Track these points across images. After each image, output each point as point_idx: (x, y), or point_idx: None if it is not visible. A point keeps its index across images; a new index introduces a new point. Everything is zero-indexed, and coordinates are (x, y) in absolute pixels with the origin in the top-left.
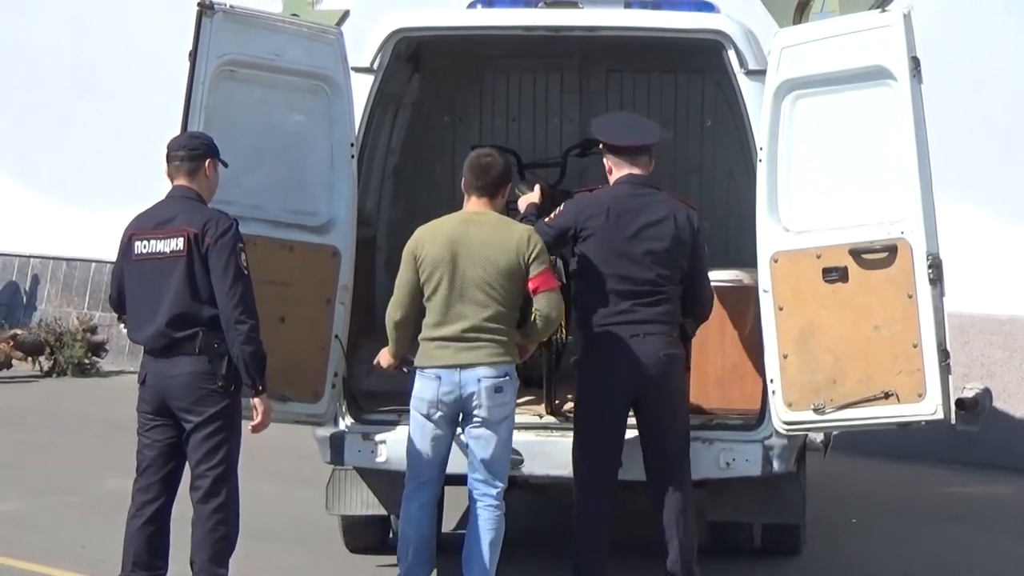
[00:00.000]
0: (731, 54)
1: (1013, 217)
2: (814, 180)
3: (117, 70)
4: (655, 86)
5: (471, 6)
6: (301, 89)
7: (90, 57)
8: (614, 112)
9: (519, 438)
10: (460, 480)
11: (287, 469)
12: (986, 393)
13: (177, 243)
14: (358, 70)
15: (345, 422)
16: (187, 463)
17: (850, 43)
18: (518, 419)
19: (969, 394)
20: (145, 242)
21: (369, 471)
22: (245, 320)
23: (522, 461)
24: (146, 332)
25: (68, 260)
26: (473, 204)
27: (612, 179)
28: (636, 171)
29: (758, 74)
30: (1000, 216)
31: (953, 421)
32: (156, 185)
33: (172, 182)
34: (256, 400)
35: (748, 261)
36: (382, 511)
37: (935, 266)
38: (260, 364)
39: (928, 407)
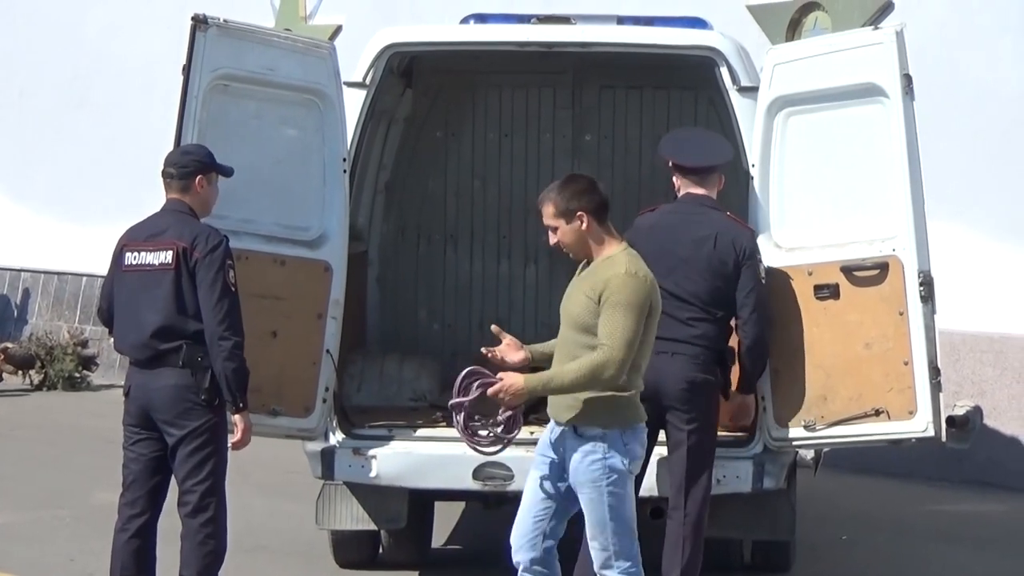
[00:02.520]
0: (724, 71)
1: (1005, 235)
2: (806, 197)
3: (111, 83)
4: (648, 102)
5: (464, 21)
6: (294, 103)
7: (84, 70)
8: (685, 128)
9: (509, 454)
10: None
11: (277, 483)
12: (977, 411)
13: (166, 256)
14: (350, 85)
15: (336, 437)
16: (173, 477)
17: (843, 60)
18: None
19: (960, 412)
20: (136, 253)
21: (359, 486)
22: (229, 336)
23: (512, 477)
24: (130, 342)
25: (59, 274)
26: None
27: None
28: (700, 191)
29: (751, 91)
30: (992, 234)
31: (944, 439)
32: (149, 198)
33: (167, 194)
34: (237, 417)
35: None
36: (372, 526)
37: (926, 284)
38: (242, 381)
39: (919, 424)
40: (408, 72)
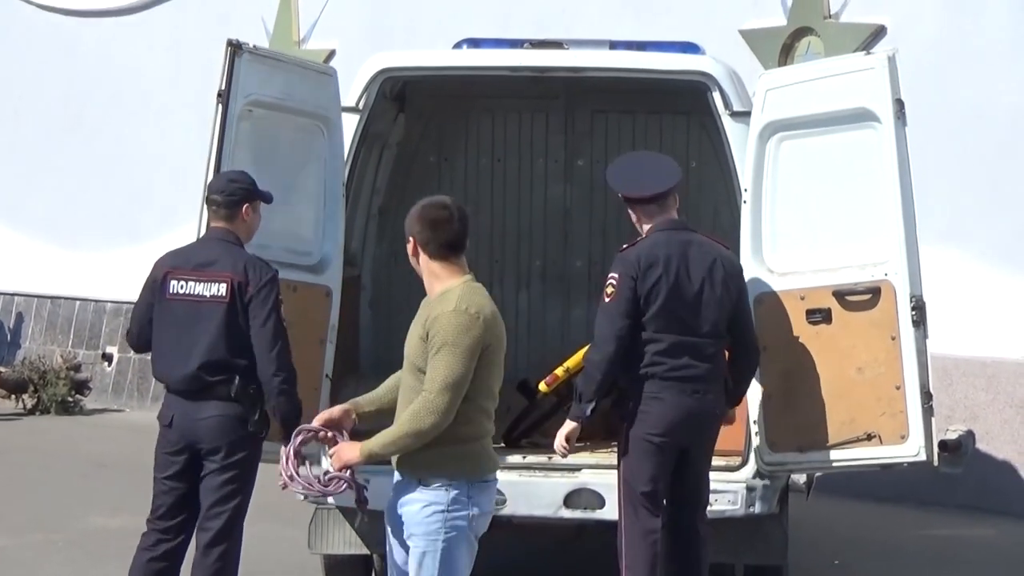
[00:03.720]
0: (716, 95)
1: (997, 259)
2: (798, 222)
3: (105, 107)
4: (640, 127)
5: (457, 46)
6: (302, 129)
7: (78, 94)
8: (624, 156)
9: (502, 479)
10: None
11: (270, 508)
12: (969, 435)
13: (219, 288)
14: (344, 109)
15: (328, 462)
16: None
17: (835, 85)
18: (501, 458)
19: (952, 436)
20: (183, 282)
21: (352, 510)
22: (281, 372)
23: (505, 501)
24: (176, 374)
25: (52, 298)
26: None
27: (645, 229)
28: (671, 216)
29: (743, 115)
30: (984, 258)
31: (936, 463)
32: (142, 223)
33: (210, 222)
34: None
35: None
36: (364, 550)
37: (918, 308)
38: (294, 418)
39: (911, 449)
40: (401, 97)
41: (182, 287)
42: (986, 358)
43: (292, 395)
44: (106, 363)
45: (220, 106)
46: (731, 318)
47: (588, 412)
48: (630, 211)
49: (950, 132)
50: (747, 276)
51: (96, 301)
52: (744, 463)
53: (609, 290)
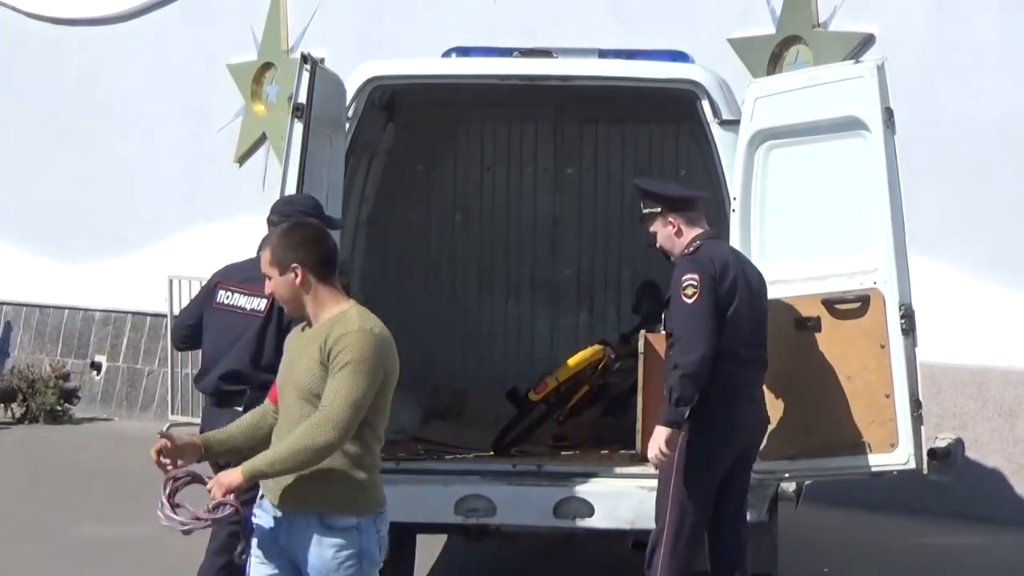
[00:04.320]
0: (705, 104)
1: (986, 268)
2: (787, 230)
3: (92, 117)
4: (629, 135)
5: (446, 55)
6: (323, 136)
7: (65, 104)
8: (647, 179)
9: (491, 487)
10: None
11: None
12: (958, 443)
13: (259, 303)
14: None
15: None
16: None
17: (823, 94)
18: (491, 467)
19: (941, 444)
20: (228, 293)
21: None
22: None
23: (495, 510)
24: (206, 381)
25: (41, 307)
26: None
27: (686, 238)
28: (707, 227)
29: (732, 124)
30: (973, 267)
31: (925, 471)
32: (129, 234)
33: None
34: None
35: None
36: None
37: (908, 316)
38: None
39: (900, 457)
40: (390, 105)
41: (227, 298)
42: (975, 366)
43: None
44: (95, 372)
45: (298, 122)
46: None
47: (685, 416)
48: (668, 222)
49: (938, 141)
50: None
51: (85, 310)
52: None
53: (689, 291)
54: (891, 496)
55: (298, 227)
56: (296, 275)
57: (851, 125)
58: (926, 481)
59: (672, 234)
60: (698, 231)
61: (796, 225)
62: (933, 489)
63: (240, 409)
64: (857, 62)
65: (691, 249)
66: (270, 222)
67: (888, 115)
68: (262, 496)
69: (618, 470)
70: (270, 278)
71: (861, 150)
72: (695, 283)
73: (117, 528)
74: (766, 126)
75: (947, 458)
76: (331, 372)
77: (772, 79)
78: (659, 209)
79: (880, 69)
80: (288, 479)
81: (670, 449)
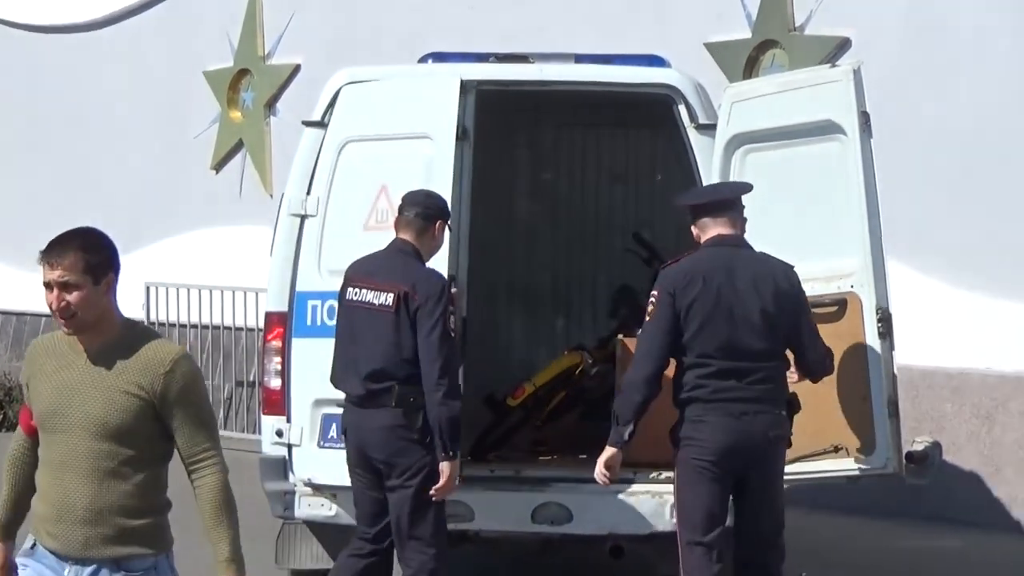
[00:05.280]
0: (681, 108)
1: (963, 271)
2: (764, 234)
3: (68, 124)
4: (606, 140)
5: (422, 60)
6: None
7: (41, 111)
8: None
9: (469, 493)
10: None
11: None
12: (936, 447)
13: (387, 297)
14: (309, 124)
15: (295, 476)
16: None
17: (800, 98)
18: (469, 472)
19: (919, 448)
20: (356, 289)
21: (319, 525)
22: (446, 384)
23: (473, 515)
24: (346, 381)
25: (19, 315)
26: None
27: (700, 243)
28: (724, 231)
29: (708, 128)
30: (949, 270)
31: (903, 474)
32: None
33: (397, 232)
34: (445, 464)
35: None
36: (331, 565)
37: (885, 320)
38: (455, 430)
39: (878, 461)
40: None
41: (356, 294)
42: (952, 369)
43: (452, 405)
44: None
45: (460, 143)
46: (788, 337)
47: (627, 436)
48: (692, 227)
49: (914, 145)
50: None
51: None
52: None
53: (649, 308)
54: (868, 500)
55: (89, 232)
56: (109, 286)
57: (827, 129)
58: (904, 484)
59: (695, 240)
60: (712, 235)
61: (773, 229)
62: (910, 492)
63: (392, 407)
64: (833, 66)
65: (669, 262)
66: (403, 211)
67: (864, 119)
68: (33, 546)
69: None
70: (73, 287)
71: (837, 154)
72: (653, 300)
73: None
74: (742, 130)
75: (925, 461)
76: (180, 407)
77: (748, 83)
78: (690, 217)
79: (856, 73)
80: (83, 524)
81: (612, 471)
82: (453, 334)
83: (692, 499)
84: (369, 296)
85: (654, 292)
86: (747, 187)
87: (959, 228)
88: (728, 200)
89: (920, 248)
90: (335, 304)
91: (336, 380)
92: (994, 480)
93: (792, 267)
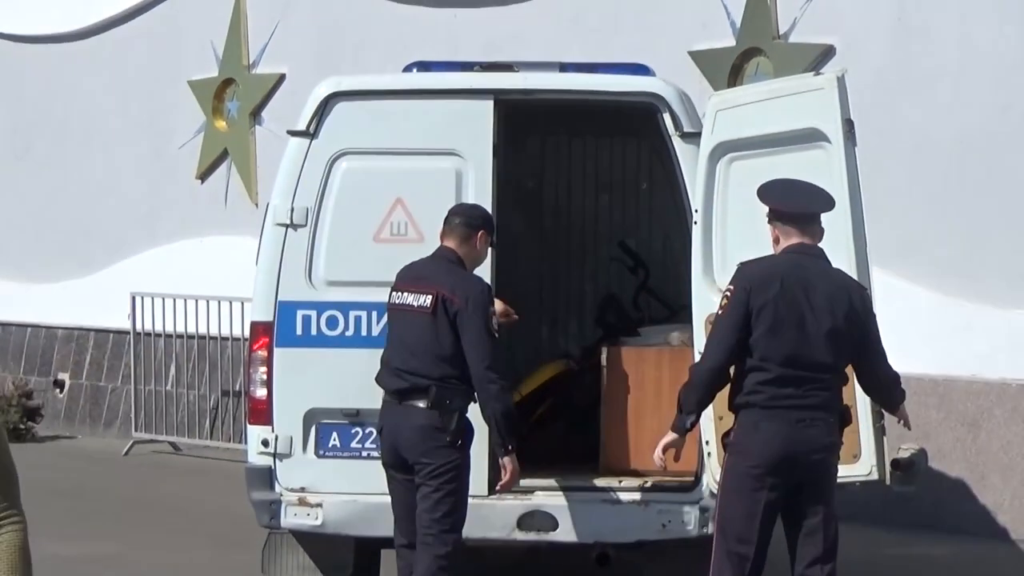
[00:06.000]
0: (666, 116)
1: (948, 279)
2: (749, 242)
3: (53, 135)
4: (591, 149)
5: (407, 69)
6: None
7: (26, 122)
8: (781, 179)
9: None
10: None
11: (225, 533)
12: (922, 454)
13: (425, 300)
14: (293, 133)
15: (281, 485)
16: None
17: (784, 106)
18: None
19: (905, 455)
20: (401, 293)
21: (305, 534)
22: (497, 380)
23: None
24: (387, 379)
25: (4, 325)
26: None
27: (779, 248)
28: (807, 240)
29: (693, 136)
30: (935, 278)
31: (889, 482)
32: (91, 252)
33: (442, 241)
34: (506, 459)
35: (686, 323)
36: (318, 574)
37: None
38: (511, 423)
39: (863, 468)
40: None
41: (399, 298)
42: (938, 377)
43: (505, 400)
44: (58, 390)
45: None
46: (854, 356)
47: (689, 424)
48: (770, 228)
49: (899, 153)
50: (698, 297)
51: (47, 328)
52: (697, 483)
53: (723, 302)
54: (854, 507)
55: None
56: None
57: (812, 137)
58: (889, 492)
59: (773, 241)
60: (793, 242)
61: (758, 237)
62: (897, 500)
63: (422, 405)
64: (817, 74)
65: (754, 259)
66: (453, 221)
67: (849, 127)
68: None
69: (582, 483)
70: None
71: (822, 162)
72: (728, 295)
73: (81, 546)
74: (727, 138)
75: (910, 469)
76: None
77: (732, 91)
78: (768, 216)
79: (840, 80)
80: None
81: (666, 454)
82: (496, 334)
83: (736, 508)
84: (409, 299)
85: (729, 286)
86: (834, 202)
87: (944, 236)
88: (817, 214)
89: (906, 256)
90: (336, 314)
91: (378, 377)
92: (980, 487)
93: (865, 288)
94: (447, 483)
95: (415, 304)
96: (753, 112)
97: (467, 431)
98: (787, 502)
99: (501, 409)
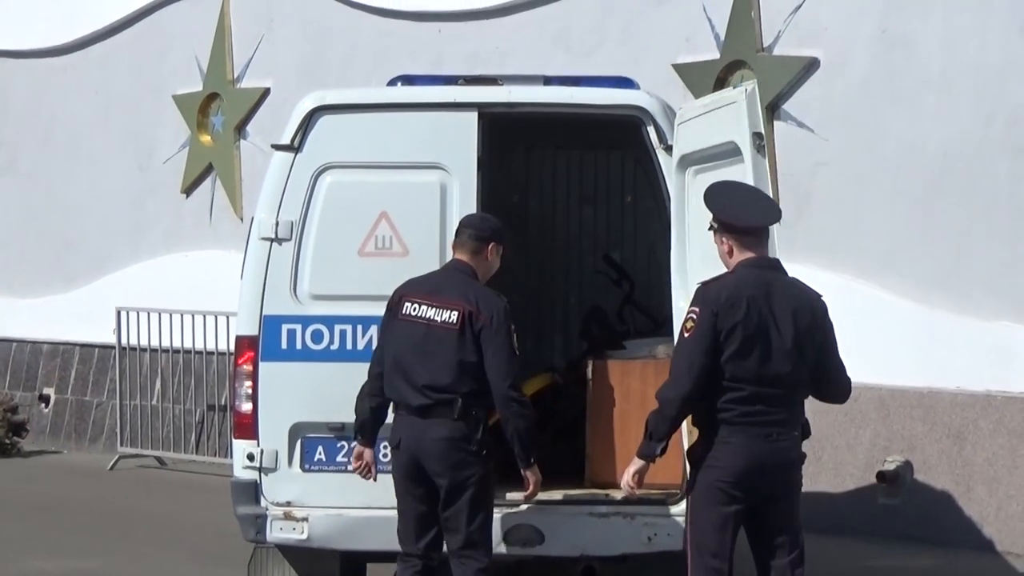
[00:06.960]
0: (650, 129)
1: (933, 290)
2: (707, 255)
3: (37, 150)
4: (575, 162)
5: (391, 83)
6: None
7: (10, 137)
8: (722, 182)
9: None
10: (386, 557)
11: (210, 547)
12: (907, 466)
13: (451, 316)
14: (278, 148)
15: (267, 500)
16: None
17: (710, 120)
18: None
19: (890, 467)
20: (415, 305)
21: (291, 548)
22: (519, 397)
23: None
24: (405, 393)
25: None
26: None
27: (734, 261)
28: (763, 251)
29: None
30: (919, 290)
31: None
32: (76, 267)
33: (454, 253)
34: (529, 472)
35: (671, 336)
36: None
37: None
38: (531, 437)
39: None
40: None
41: (414, 309)
42: (923, 389)
43: (527, 417)
44: (43, 405)
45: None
46: (814, 367)
47: (659, 452)
48: (721, 239)
49: (883, 164)
50: (677, 308)
51: (33, 342)
52: (682, 496)
53: (688, 324)
54: (840, 519)
55: None
56: None
57: (734, 152)
58: (875, 504)
59: (724, 253)
60: (748, 255)
61: (714, 249)
62: (882, 512)
63: (454, 419)
64: (735, 87)
65: (707, 280)
66: (464, 234)
67: (758, 140)
68: None
69: (567, 497)
70: None
71: (747, 177)
72: (694, 317)
73: (66, 561)
74: (686, 151)
75: (896, 480)
76: None
77: (689, 105)
78: (716, 226)
79: (751, 94)
80: None
81: (636, 482)
82: (517, 351)
83: (708, 522)
84: (430, 313)
85: (695, 309)
86: (780, 212)
87: (929, 247)
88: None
89: (891, 268)
90: (321, 328)
91: (390, 391)
92: (965, 499)
93: (821, 296)
94: (477, 495)
95: (438, 319)
96: (696, 126)
97: (492, 445)
98: (753, 518)
99: (524, 425)
